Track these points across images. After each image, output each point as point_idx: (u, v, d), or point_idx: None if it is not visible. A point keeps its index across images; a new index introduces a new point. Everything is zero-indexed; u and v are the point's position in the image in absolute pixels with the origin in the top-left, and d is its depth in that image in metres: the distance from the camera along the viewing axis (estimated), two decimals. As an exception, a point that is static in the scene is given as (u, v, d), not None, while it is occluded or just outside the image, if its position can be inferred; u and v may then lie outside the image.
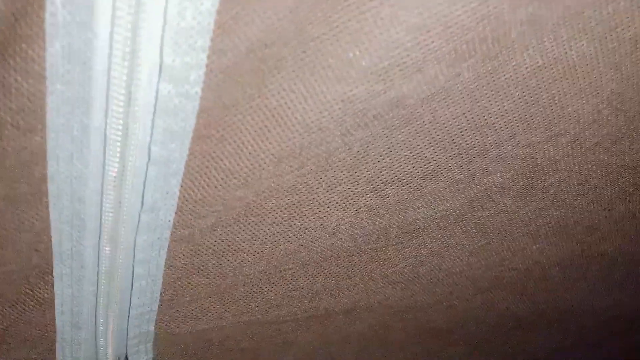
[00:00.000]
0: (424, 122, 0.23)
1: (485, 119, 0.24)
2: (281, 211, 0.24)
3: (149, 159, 0.19)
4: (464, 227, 0.30)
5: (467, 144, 0.24)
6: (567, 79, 0.24)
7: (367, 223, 0.27)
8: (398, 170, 0.24)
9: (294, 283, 0.30)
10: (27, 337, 0.27)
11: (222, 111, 0.19)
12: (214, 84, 0.18)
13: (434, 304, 0.39)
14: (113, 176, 0.20)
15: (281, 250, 0.27)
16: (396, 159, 0.24)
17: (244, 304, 0.31)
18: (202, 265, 0.26)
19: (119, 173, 0.20)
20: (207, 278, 0.27)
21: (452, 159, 0.25)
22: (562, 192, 0.31)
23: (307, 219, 0.25)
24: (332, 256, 0.29)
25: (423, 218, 0.28)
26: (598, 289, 0.45)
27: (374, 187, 0.25)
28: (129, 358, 0.34)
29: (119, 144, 0.19)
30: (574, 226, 0.35)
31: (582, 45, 0.22)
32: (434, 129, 0.23)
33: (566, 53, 0.22)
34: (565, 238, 0.36)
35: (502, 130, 0.25)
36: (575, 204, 0.32)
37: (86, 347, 0.30)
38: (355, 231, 0.27)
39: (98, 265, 0.24)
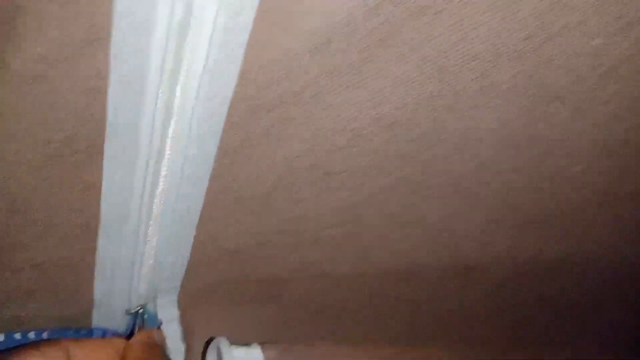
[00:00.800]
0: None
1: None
2: (338, 93, 0.23)
3: (220, 4, 0.18)
4: (519, 138, 0.29)
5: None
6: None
7: (426, 118, 0.26)
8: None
9: (338, 190, 0.30)
10: (69, 229, 0.26)
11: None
12: None
13: (470, 236, 0.38)
14: (177, 24, 0.19)
15: (333, 142, 0.26)
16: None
17: (287, 208, 0.30)
18: (254, 150, 0.25)
19: (184, 20, 0.19)
20: (257, 167, 0.26)
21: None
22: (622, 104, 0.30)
23: (364, 104, 0.24)
24: (382, 162, 0.28)
25: (478, 120, 0.27)
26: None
27: (438, 70, 0.23)
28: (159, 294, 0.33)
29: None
30: (616, 147, 0.34)
31: None
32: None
33: None
34: (605, 162, 0.35)
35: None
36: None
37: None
38: (410, 127, 0.26)
39: (151, 142, 0.23)
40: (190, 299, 0.36)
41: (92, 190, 0.24)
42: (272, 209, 0.29)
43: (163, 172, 0.24)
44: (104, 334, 0.33)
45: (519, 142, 0.30)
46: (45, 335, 0.31)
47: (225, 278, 0.34)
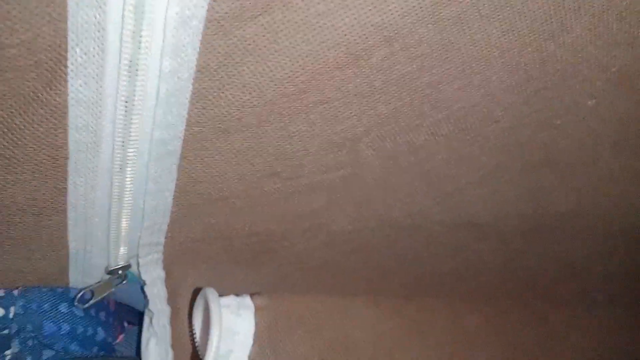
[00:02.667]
0: None
1: None
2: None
3: None
4: (527, 60, 0.27)
5: None
6: None
7: (429, 31, 0.23)
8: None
9: (334, 122, 0.27)
10: (36, 164, 0.23)
11: None
12: None
13: (477, 183, 0.36)
14: None
15: (326, 60, 0.23)
16: None
17: (278, 146, 0.27)
18: (238, 70, 0.22)
19: None
20: (242, 92, 0.23)
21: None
22: (635, 25, 0.28)
23: (363, 10, 0.21)
24: (382, 87, 0.26)
25: (486, 35, 0.25)
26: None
27: None
28: (140, 253, 0.30)
29: None
30: (636, 78, 0.31)
31: None
32: None
33: None
34: (623, 94, 0.32)
35: None
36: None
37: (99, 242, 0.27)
38: (412, 43, 0.24)
39: (120, 49, 0.20)
40: (176, 257, 0.33)
41: (57, 112, 0.21)
42: (261, 145, 0.27)
43: (137, 92, 0.22)
44: (82, 297, 0.31)
45: (530, 66, 0.27)
46: (16, 292, 0.29)
47: (213, 231, 0.32)
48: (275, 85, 0.23)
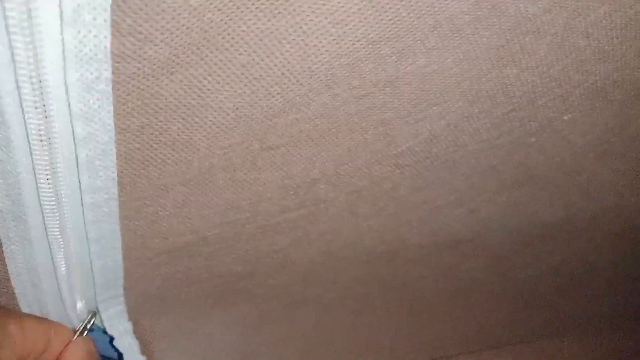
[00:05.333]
0: None
1: None
2: (255, 43, 0.19)
3: None
4: (489, 87, 0.25)
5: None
6: None
7: (370, 70, 0.21)
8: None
9: (286, 167, 0.25)
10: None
11: None
12: None
13: (452, 204, 0.34)
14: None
15: (262, 110, 0.21)
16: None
17: (227, 196, 0.25)
18: (164, 129, 0.20)
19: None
20: (174, 149, 0.21)
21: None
22: (603, 41, 0.25)
23: (291, 56, 0.19)
24: (329, 130, 0.24)
25: (438, 66, 0.23)
26: (637, 186, 0.40)
27: (374, 6, 0.19)
28: (99, 308, 0.29)
29: None
30: (611, 90, 0.29)
31: None
32: None
33: None
34: (601, 106, 0.30)
35: None
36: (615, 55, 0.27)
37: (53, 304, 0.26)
38: (354, 84, 0.22)
39: (24, 120, 0.18)
40: (140, 306, 0.31)
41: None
42: (207, 197, 0.25)
43: (56, 160, 0.20)
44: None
45: (493, 92, 0.25)
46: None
47: (174, 279, 0.30)
48: (209, 139, 0.21)
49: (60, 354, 0.26)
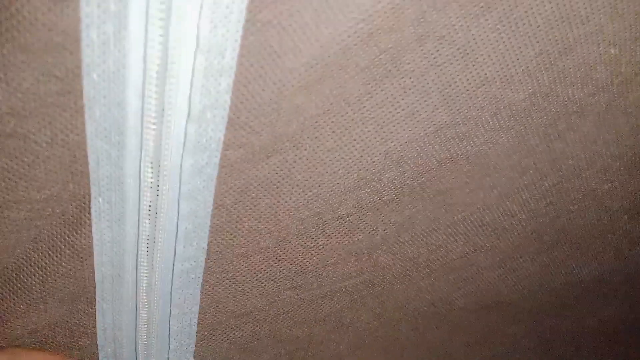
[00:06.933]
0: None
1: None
2: (341, 132, 0.21)
3: (197, 46, 0.17)
4: (537, 160, 0.27)
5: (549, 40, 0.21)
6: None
7: (435, 150, 0.24)
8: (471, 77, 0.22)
9: (351, 234, 0.27)
10: (65, 294, 0.24)
11: None
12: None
13: (496, 265, 0.35)
14: (155, 72, 0.17)
15: (339, 186, 0.24)
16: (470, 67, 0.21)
17: (297, 261, 0.28)
18: (254, 204, 0.23)
19: (161, 67, 0.17)
20: (259, 221, 0.24)
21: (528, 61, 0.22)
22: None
23: (370, 141, 0.22)
24: (393, 199, 0.26)
25: (493, 145, 0.25)
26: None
27: (445, 99, 0.22)
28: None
29: (161, 31, 0.16)
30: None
31: None
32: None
33: None
34: (637, 174, 0.32)
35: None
36: None
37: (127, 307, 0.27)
38: (420, 162, 0.24)
39: (139, 197, 0.21)
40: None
41: (83, 252, 0.22)
42: (280, 262, 0.27)
43: (158, 233, 0.22)
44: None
45: (541, 164, 0.28)
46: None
47: (241, 344, 0.32)
48: (291, 212, 0.24)
49: None
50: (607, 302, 0.45)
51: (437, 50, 0.19)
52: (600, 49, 0.22)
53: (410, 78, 0.20)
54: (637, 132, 0.28)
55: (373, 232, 0.27)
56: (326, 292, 0.30)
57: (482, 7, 0.19)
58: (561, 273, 0.39)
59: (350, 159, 0.22)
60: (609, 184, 0.32)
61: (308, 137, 0.21)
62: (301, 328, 0.33)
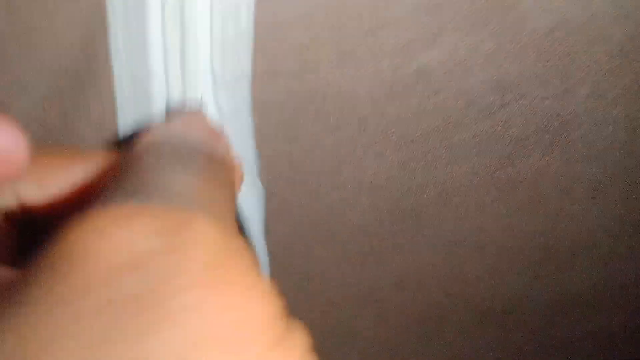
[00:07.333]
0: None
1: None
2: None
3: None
4: (497, 184, 0.32)
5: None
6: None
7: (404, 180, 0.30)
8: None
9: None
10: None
11: None
12: None
13: (483, 276, 0.39)
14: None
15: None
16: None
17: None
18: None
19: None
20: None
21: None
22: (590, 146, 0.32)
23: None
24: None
25: (454, 173, 0.31)
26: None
27: (405, 142, 0.28)
28: None
29: None
30: (609, 185, 0.35)
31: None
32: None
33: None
34: (603, 198, 0.36)
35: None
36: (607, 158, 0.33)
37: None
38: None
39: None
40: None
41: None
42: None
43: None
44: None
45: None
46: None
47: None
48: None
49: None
50: (601, 312, 0.46)
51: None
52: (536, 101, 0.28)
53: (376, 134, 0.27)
54: (586, 159, 0.33)
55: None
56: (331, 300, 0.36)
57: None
58: (549, 286, 0.42)
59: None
60: (574, 205, 0.36)
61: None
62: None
